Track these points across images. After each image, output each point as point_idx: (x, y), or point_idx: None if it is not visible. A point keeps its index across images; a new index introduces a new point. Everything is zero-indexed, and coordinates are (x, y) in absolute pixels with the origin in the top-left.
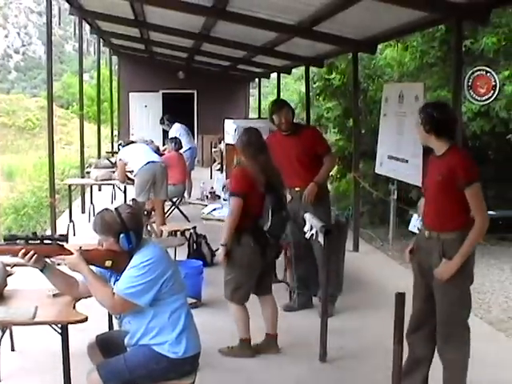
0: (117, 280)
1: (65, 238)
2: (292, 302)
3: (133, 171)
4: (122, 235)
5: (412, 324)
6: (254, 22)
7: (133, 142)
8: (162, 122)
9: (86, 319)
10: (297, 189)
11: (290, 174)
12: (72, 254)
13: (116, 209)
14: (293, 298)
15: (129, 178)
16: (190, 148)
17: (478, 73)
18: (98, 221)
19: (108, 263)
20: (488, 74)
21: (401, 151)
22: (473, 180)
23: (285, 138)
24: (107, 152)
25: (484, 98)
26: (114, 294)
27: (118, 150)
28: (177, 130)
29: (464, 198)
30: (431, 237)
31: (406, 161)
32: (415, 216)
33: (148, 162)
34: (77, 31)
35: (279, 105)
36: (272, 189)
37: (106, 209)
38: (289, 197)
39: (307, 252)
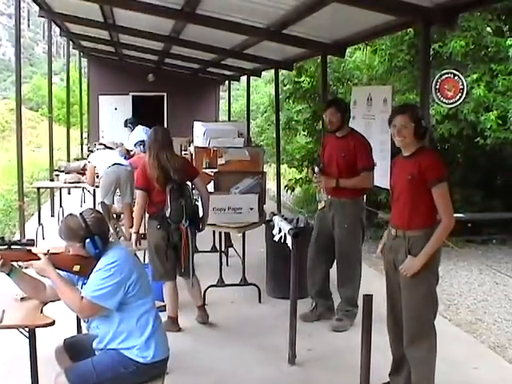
0: (84, 284)
1: (32, 242)
2: (309, 313)
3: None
4: (87, 240)
5: (389, 325)
6: (223, 25)
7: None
8: (125, 124)
9: (53, 323)
10: (329, 196)
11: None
12: (40, 258)
13: (80, 214)
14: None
15: (82, 169)
16: None
17: (446, 76)
18: (63, 227)
19: (76, 268)
20: (456, 78)
21: None
22: (440, 179)
23: (335, 140)
24: (75, 159)
25: (451, 101)
26: (82, 297)
27: (89, 152)
28: (138, 132)
29: (431, 198)
30: (398, 235)
31: (375, 164)
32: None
33: (112, 165)
34: (46, 33)
35: (327, 104)
36: (171, 181)
37: (71, 214)
38: (322, 203)
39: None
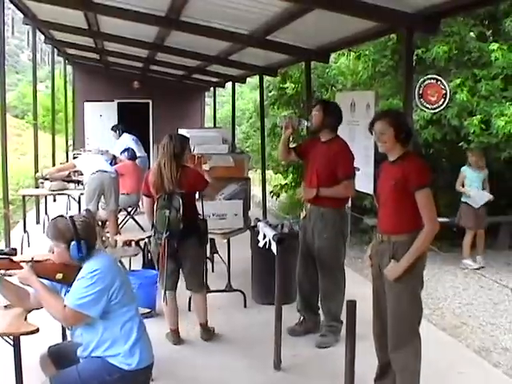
0: (67, 292)
1: (14, 252)
2: (297, 326)
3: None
4: (73, 243)
5: (375, 330)
6: (207, 32)
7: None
8: (114, 129)
9: (37, 330)
10: (308, 205)
11: (307, 187)
12: (22, 268)
13: (71, 216)
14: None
15: (67, 177)
16: (139, 157)
17: (429, 81)
18: (51, 226)
19: (59, 276)
20: (438, 83)
21: None
22: (423, 184)
23: (318, 145)
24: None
25: (435, 106)
26: (65, 306)
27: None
28: (124, 140)
29: (415, 203)
30: (383, 240)
31: (358, 169)
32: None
33: (96, 171)
34: (31, 41)
35: (316, 102)
36: (163, 190)
37: (61, 216)
38: (304, 212)
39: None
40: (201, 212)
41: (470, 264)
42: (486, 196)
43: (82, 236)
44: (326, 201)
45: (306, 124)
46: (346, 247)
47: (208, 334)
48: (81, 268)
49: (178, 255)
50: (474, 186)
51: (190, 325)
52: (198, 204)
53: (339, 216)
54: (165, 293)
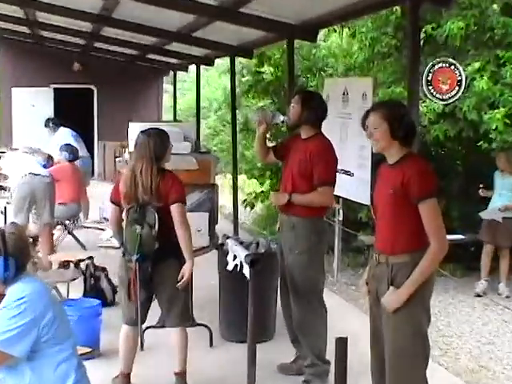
0: None
1: None
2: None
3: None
4: None
5: (373, 371)
6: (165, 2)
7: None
8: (47, 124)
9: None
10: (283, 216)
11: (281, 192)
12: None
13: (1, 228)
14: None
15: None
16: (80, 157)
17: (440, 65)
18: None
19: None
20: (452, 67)
21: (345, 162)
22: (427, 194)
23: (298, 143)
24: None
25: (447, 96)
26: None
27: None
28: (61, 135)
29: (418, 216)
30: (380, 261)
31: (351, 174)
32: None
33: (26, 175)
34: None
35: (295, 92)
36: (135, 200)
37: None
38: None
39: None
40: None
41: (475, 287)
42: (493, 213)
43: (10, 252)
44: (298, 209)
45: (282, 118)
46: (324, 266)
47: None
48: (3, 296)
49: (153, 281)
50: (503, 194)
51: (142, 367)
52: None
53: (314, 227)
54: (141, 329)
